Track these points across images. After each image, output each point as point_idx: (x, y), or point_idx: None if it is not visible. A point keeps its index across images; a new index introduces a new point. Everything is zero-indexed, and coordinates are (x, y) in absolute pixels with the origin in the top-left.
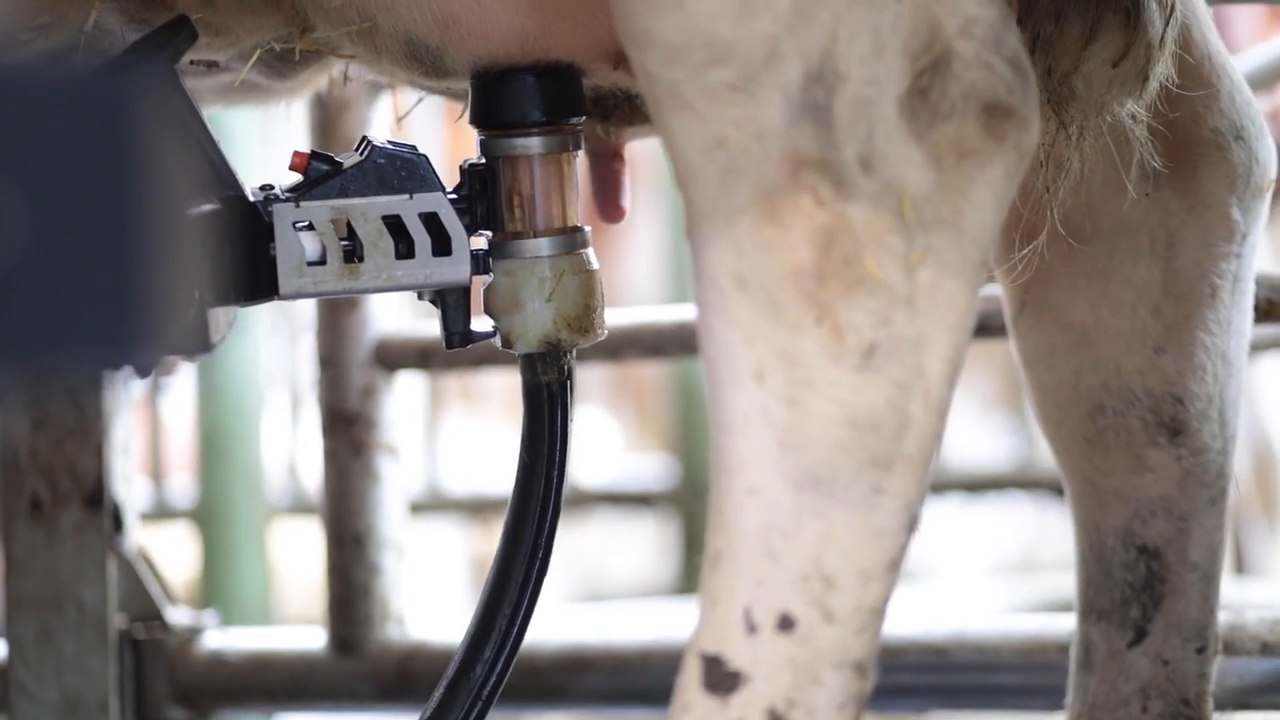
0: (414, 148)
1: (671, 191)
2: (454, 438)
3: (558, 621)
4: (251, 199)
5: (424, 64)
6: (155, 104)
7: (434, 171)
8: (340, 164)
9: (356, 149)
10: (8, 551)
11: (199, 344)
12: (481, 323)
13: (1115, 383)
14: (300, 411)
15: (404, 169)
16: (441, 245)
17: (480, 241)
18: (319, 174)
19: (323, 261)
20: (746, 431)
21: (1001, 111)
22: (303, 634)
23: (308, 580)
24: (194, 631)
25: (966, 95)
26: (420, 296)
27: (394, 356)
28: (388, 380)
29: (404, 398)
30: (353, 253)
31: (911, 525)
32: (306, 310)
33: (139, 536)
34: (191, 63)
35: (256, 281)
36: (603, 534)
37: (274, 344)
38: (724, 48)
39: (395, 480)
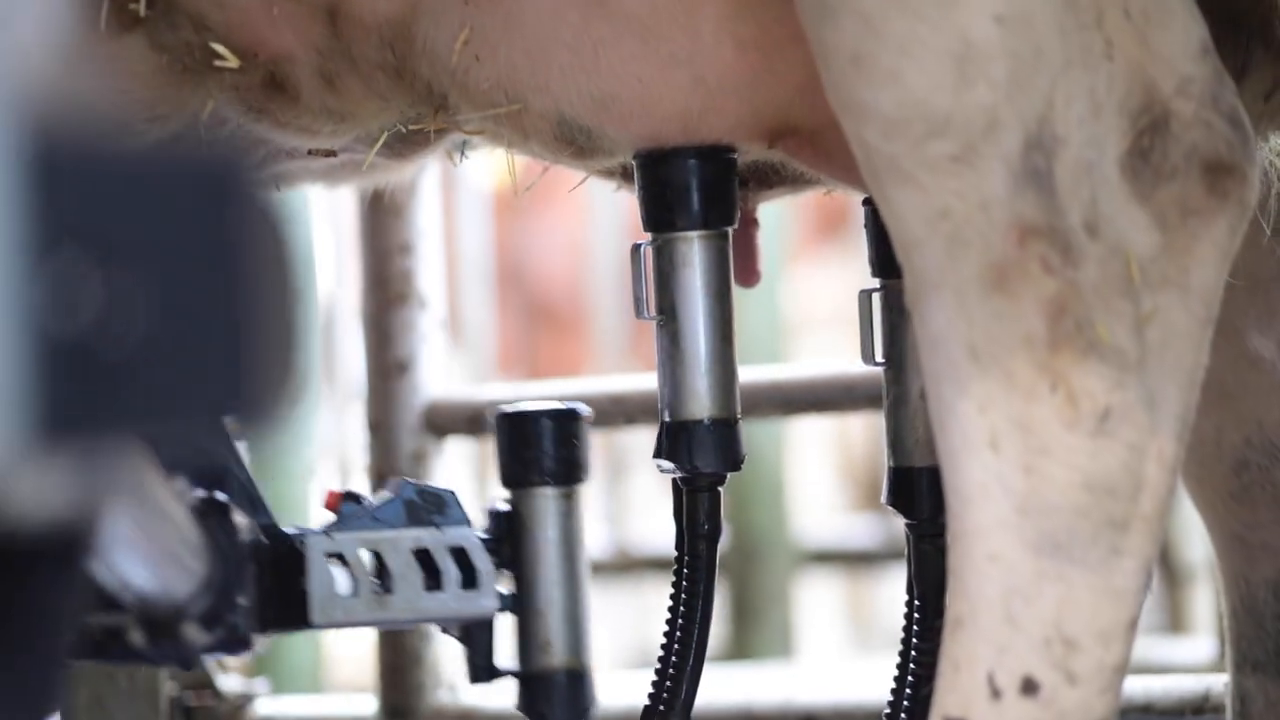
0: (446, 489)
1: None
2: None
3: (612, 687)
4: (286, 531)
5: (575, 144)
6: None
7: (463, 509)
8: (371, 501)
9: (388, 489)
10: None
11: (241, 643)
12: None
13: (1258, 438)
14: (349, 481)
15: (434, 504)
16: (469, 579)
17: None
18: (351, 510)
19: (354, 593)
20: (984, 500)
21: (1224, 169)
22: (354, 701)
23: (359, 647)
24: (245, 699)
25: (1188, 155)
26: (445, 630)
27: (444, 421)
28: (438, 445)
29: (453, 463)
30: (382, 584)
31: (1148, 583)
32: (355, 377)
33: None
34: (310, 152)
35: (289, 610)
36: (652, 600)
37: (321, 413)
38: (943, 119)
39: None
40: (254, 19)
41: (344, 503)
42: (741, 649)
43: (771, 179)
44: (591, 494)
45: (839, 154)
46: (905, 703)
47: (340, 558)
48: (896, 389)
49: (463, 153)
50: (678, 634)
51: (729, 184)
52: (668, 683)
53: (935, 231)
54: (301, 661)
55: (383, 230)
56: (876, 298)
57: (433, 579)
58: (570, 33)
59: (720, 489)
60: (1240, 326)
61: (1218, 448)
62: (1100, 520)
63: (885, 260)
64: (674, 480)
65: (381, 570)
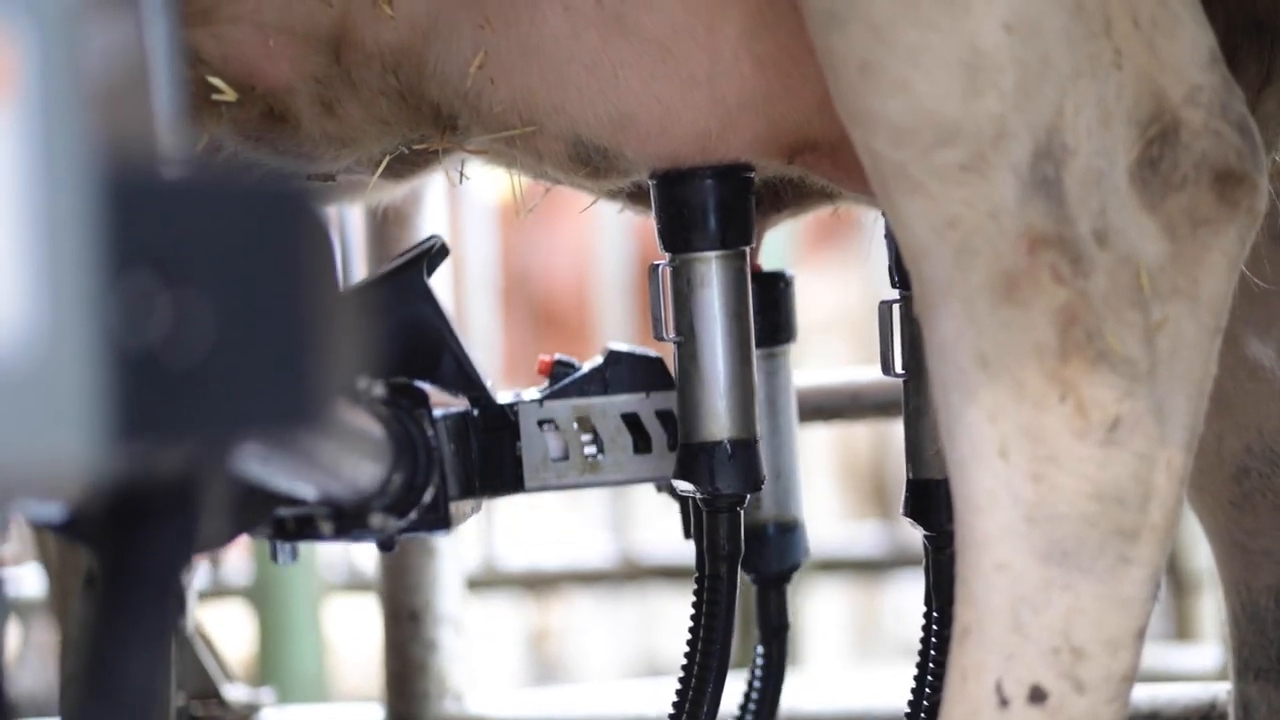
0: (654, 354)
1: None
2: (511, 512)
3: (617, 697)
4: (499, 400)
5: (590, 165)
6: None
7: (669, 374)
8: (581, 367)
9: (598, 355)
10: (62, 628)
11: (439, 524)
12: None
13: (1258, 445)
14: None
15: (641, 369)
16: (676, 440)
17: None
18: (562, 376)
19: (565, 457)
20: (992, 508)
21: (1233, 179)
22: (360, 710)
23: (364, 657)
24: (251, 708)
25: (1198, 164)
26: (658, 489)
27: None
28: None
29: None
30: (594, 448)
31: (1156, 592)
32: None
33: (196, 614)
34: (309, 177)
35: (501, 476)
36: (658, 608)
37: None
38: (952, 128)
39: (453, 556)
40: (250, 52)
41: (556, 367)
42: (745, 657)
43: (781, 199)
44: (595, 503)
45: (858, 167)
46: (923, 715)
47: (552, 424)
48: (916, 400)
49: (462, 173)
50: (698, 657)
51: (746, 203)
52: (688, 705)
53: (944, 240)
54: (307, 670)
55: (388, 239)
56: (896, 309)
57: (643, 441)
58: (589, 54)
59: (740, 510)
60: (1239, 334)
61: (1218, 455)
62: (1109, 529)
63: (905, 271)
64: (693, 501)
65: (592, 435)
